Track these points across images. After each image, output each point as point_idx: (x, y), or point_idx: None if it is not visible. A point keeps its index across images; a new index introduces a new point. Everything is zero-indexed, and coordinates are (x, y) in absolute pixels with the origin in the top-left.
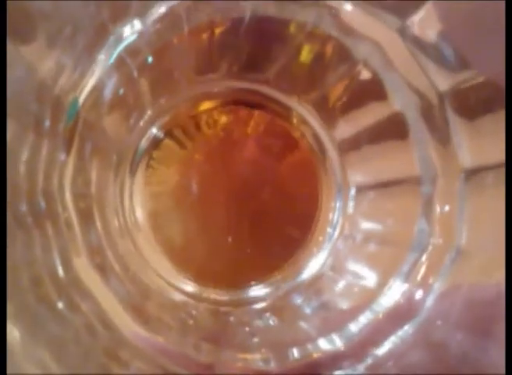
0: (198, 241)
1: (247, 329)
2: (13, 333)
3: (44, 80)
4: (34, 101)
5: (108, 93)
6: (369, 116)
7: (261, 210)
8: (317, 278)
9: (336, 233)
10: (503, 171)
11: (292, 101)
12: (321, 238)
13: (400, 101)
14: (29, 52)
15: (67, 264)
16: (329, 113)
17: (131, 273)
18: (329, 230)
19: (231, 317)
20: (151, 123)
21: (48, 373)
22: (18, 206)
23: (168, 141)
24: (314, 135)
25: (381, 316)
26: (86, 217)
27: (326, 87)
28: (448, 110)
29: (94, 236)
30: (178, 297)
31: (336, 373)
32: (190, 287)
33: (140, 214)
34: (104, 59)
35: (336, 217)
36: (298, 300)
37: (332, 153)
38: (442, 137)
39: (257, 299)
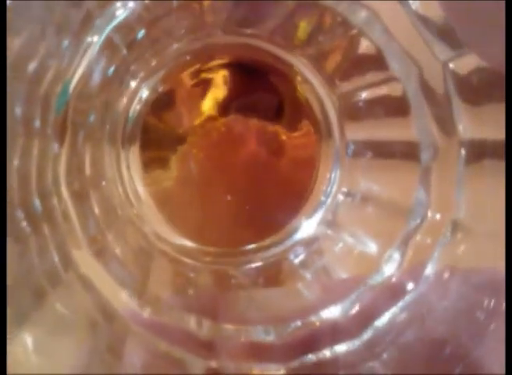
0: (198, 203)
1: (246, 294)
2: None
3: (30, 77)
4: (23, 104)
5: (97, 76)
6: (368, 84)
7: (260, 172)
8: (316, 236)
9: (334, 189)
10: (502, 147)
11: (290, 57)
12: (320, 194)
13: (400, 71)
14: (12, 53)
15: (66, 260)
16: (329, 73)
17: (130, 247)
18: (328, 187)
19: (231, 280)
20: (141, 84)
21: None
22: (13, 216)
23: (161, 107)
24: (313, 91)
25: (381, 285)
26: (82, 202)
27: (324, 46)
28: (449, 84)
29: (92, 221)
30: (177, 258)
31: (336, 347)
32: (190, 247)
33: (138, 182)
34: (92, 43)
35: (334, 174)
36: (297, 260)
37: (331, 110)
38: (442, 111)
39: (255, 258)
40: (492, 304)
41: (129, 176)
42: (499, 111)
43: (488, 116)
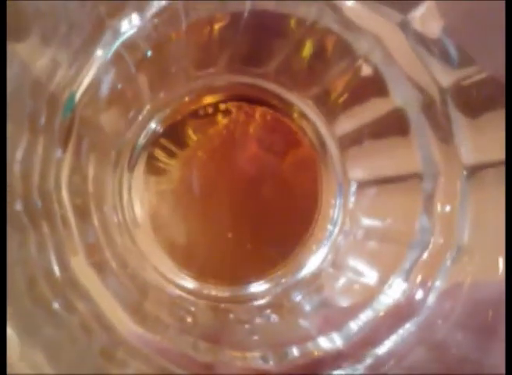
0: (198, 237)
1: (246, 326)
2: (9, 334)
3: (38, 77)
4: (29, 98)
5: (105, 89)
6: (370, 111)
7: (261, 206)
8: (317, 275)
9: (337, 230)
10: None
11: (293, 97)
12: (321, 234)
13: (402, 97)
14: (23, 50)
15: (63, 263)
16: (330, 109)
17: (129, 270)
18: (330, 226)
19: (230, 314)
20: (149, 117)
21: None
22: (13, 206)
23: (167, 138)
24: (314, 131)
25: (381, 314)
26: (83, 214)
27: (327, 82)
28: (450, 106)
29: (91, 233)
30: (177, 293)
31: (336, 372)
32: (189, 283)
33: (139, 210)
34: (101, 55)
35: (336, 213)
36: (298, 297)
37: (333, 149)
38: (444, 133)
39: (256, 296)
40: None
41: (130, 202)
42: (500, 125)
43: (490, 135)
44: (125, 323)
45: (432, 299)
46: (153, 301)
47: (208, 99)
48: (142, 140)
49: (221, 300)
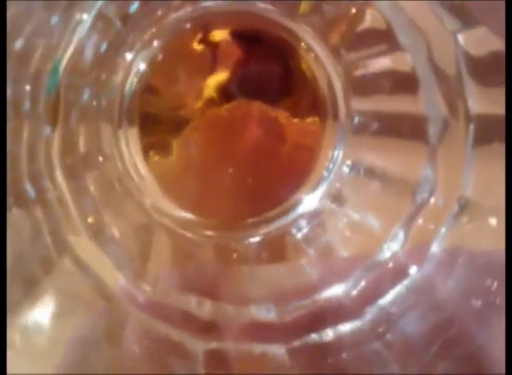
0: (199, 176)
1: (248, 270)
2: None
3: (19, 58)
4: (11, 85)
5: (89, 52)
6: (375, 53)
7: (264, 149)
8: (319, 210)
9: (338, 163)
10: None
11: (294, 25)
12: (323, 168)
13: (408, 42)
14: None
15: (60, 244)
16: (334, 48)
17: (128, 223)
18: (331, 160)
19: (234, 254)
20: (138, 54)
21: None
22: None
23: (160, 77)
24: (316, 58)
25: (385, 264)
26: (77, 182)
27: (328, 15)
28: (458, 53)
29: (87, 201)
30: (179, 234)
31: (340, 326)
32: (190, 219)
33: (139, 159)
34: (82, 17)
35: (338, 147)
36: (300, 234)
37: (337, 82)
38: (451, 83)
39: (258, 232)
40: (496, 286)
41: (129, 153)
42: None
43: (498, 92)
44: (126, 290)
45: (432, 254)
46: (155, 256)
47: (201, 34)
48: (132, 81)
49: (221, 236)
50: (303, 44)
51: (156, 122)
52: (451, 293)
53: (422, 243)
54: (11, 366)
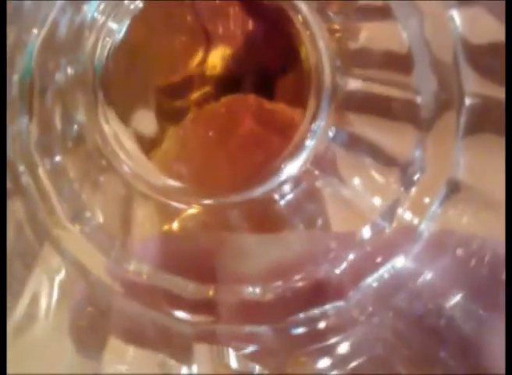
0: (179, 142)
1: (235, 242)
2: None
3: None
4: None
5: (63, 28)
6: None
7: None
8: (302, 175)
9: (322, 127)
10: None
11: None
12: (305, 134)
13: (405, 22)
14: None
15: (41, 234)
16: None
17: (108, 197)
18: (314, 124)
19: (217, 223)
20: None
21: None
22: None
23: (136, 41)
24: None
25: (372, 242)
26: (54, 165)
27: None
28: (454, 33)
29: (66, 188)
30: (161, 202)
31: (326, 306)
32: (171, 186)
33: (125, 138)
34: None
35: (322, 110)
36: (283, 201)
37: (325, 53)
38: (446, 62)
39: (241, 198)
40: (489, 274)
41: (108, 124)
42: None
43: (493, 73)
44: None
45: (422, 235)
46: (137, 231)
47: None
48: (104, 44)
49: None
50: (300, 17)
51: (133, 92)
52: (439, 278)
53: (412, 222)
54: None
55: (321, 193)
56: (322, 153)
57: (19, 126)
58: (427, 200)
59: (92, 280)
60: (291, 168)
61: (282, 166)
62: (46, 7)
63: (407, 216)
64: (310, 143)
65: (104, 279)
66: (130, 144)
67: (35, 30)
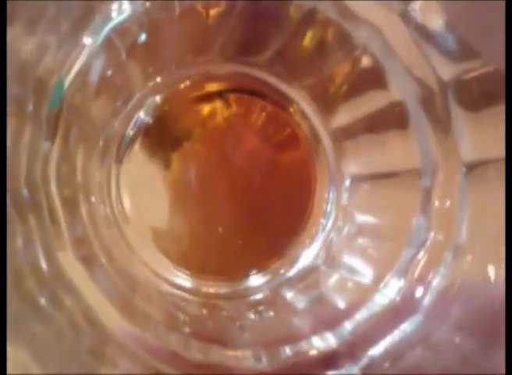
0: (188, 231)
1: (238, 323)
2: None
3: (25, 61)
4: (15, 83)
5: (94, 75)
6: (368, 104)
7: (255, 199)
8: (310, 271)
9: (330, 224)
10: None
11: (289, 89)
12: (314, 229)
13: (401, 90)
14: (10, 34)
15: (50, 257)
16: (327, 101)
17: (117, 264)
18: (323, 220)
19: (223, 311)
20: (139, 106)
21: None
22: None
23: (157, 129)
24: (309, 124)
25: (377, 313)
26: (71, 206)
27: (324, 73)
28: (450, 100)
29: (79, 226)
30: (167, 289)
31: (330, 373)
32: (180, 278)
33: (128, 204)
34: (90, 40)
35: (329, 208)
36: (289, 294)
37: (327, 142)
38: (443, 128)
39: (248, 293)
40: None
41: (118, 194)
42: (500, 121)
43: (490, 131)
44: (113, 319)
45: (429, 299)
46: (142, 296)
47: (201, 89)
48: (131, 130)
49: (213, 296)
50: (295, 107)
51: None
52: (451, 332)
53: (417, 288)
54: None
55: (328, 277)
56: (327, 247)
57: (41, 148)
58: (432, 267)
59: (95, 320)
60: (298, 265)
61: (287, 263)
62: (82, 44)
63: (414, 283)
64: (317, 238)
65: (107, 324)
66: (139, 227)
67: (67, 65)
